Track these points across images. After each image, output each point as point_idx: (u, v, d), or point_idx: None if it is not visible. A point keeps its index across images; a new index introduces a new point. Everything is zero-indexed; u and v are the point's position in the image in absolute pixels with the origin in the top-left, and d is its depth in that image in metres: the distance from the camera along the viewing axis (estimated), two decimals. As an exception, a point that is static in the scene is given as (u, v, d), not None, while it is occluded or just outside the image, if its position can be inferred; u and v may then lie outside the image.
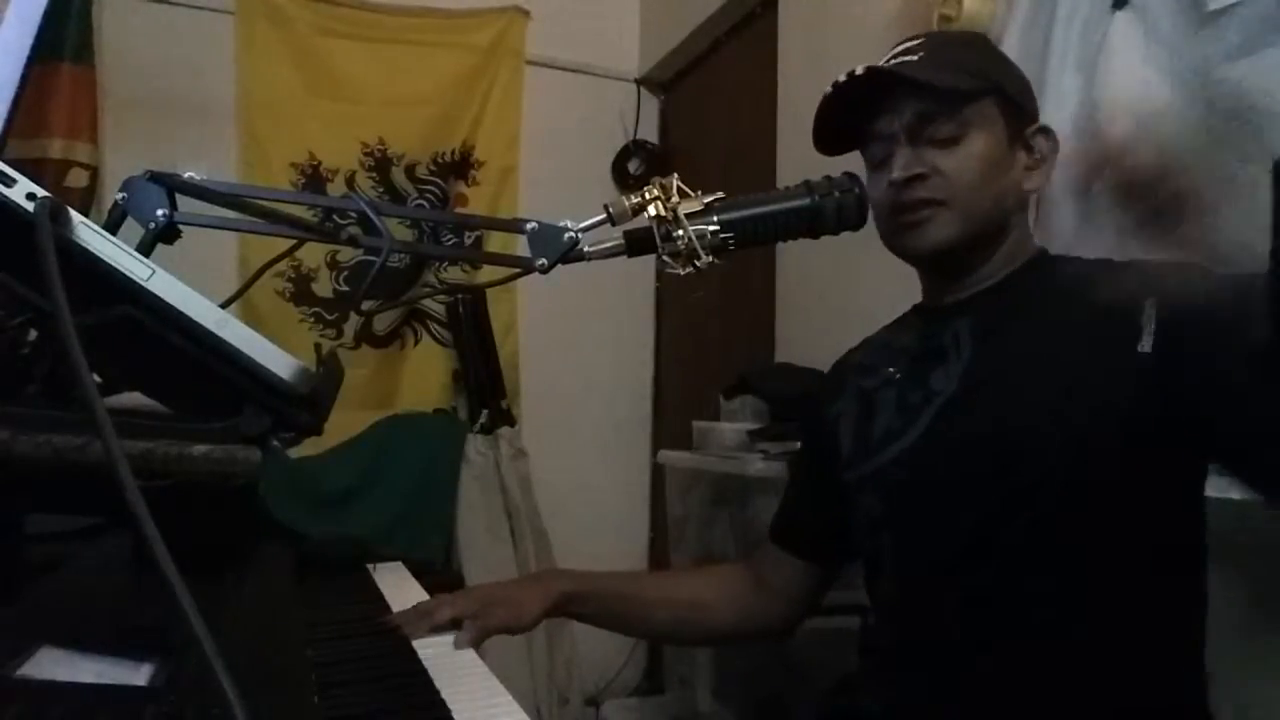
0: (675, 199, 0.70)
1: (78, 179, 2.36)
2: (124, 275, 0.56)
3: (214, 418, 0.58)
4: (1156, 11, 1.25)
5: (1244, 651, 1.11)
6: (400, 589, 1.15)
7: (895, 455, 0.93)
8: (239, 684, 0.35)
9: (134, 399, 0.64)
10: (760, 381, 2.04)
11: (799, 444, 1.16)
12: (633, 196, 0.71)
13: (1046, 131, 0.93)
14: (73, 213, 0.55)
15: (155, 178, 0.67)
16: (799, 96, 2.27)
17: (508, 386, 2.74)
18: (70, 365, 0.43)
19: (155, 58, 2.52)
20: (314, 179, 2.72)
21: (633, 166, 3.04)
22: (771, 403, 1.99)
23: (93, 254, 0.55)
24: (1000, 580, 0.84)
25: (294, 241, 0.83)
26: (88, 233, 0.56)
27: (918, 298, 1.07)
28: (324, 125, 2.73)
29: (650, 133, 3.13)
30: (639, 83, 3.12)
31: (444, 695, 0.77)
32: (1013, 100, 0.91)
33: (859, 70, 0.90)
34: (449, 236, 2.74)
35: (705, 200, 0.71)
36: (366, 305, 2.56)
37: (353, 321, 2.74)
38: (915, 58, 0.90)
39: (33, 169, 1.93)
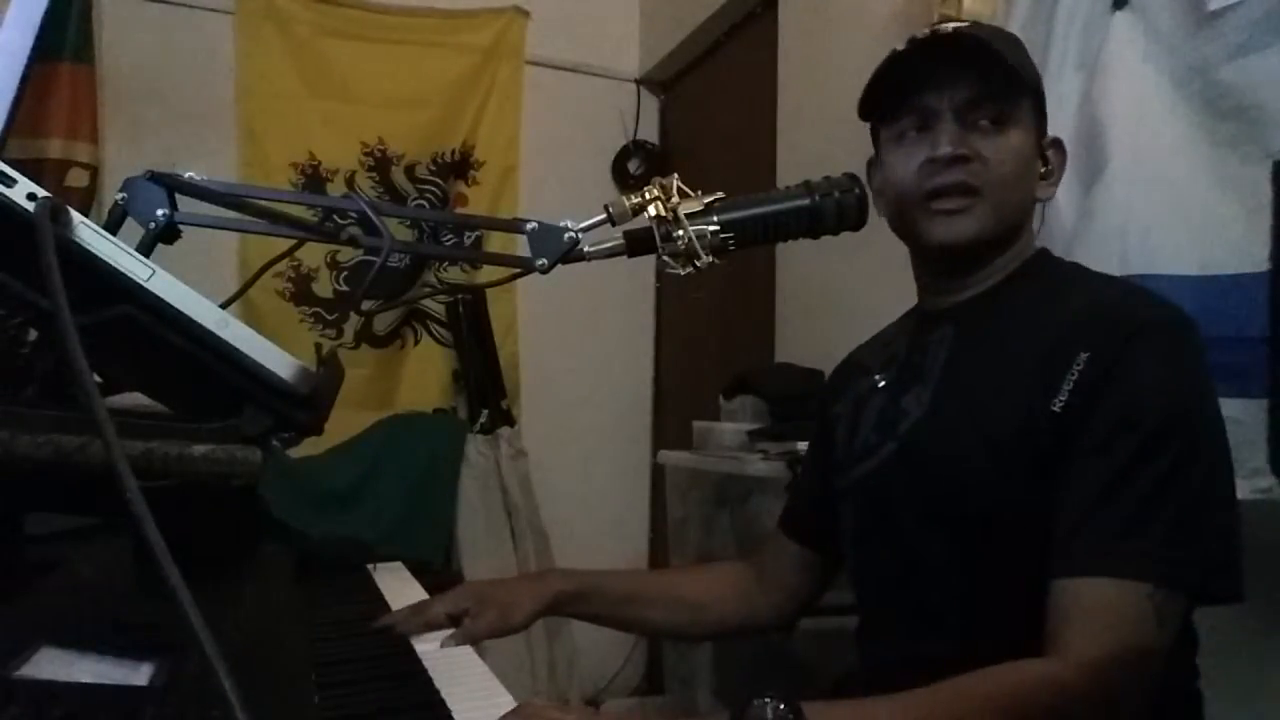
0: (675, 199, 0.70)
1: (78, 179, 2.36)
2: (124, 275, 0.56)
3: (214, 418, 0.58)
4: (1156, 11, 1.25)
5: (1235, 651, 1.11)
6: (400, 589, 1.15)
7: (867, 471, 0.93)
8: (239, 684, 0.35)
9: (134, 399, 0.64)
10: (760, 381, 2.04)
11: (811, 436, 1.15)
12: (633, 196, 0.71)
13: (1058, 144, 0.92)
14: (73, 213, 0.55)
15: (155, 178, 0.67)
16: (799, 96, 2.27)
17: (508, 386, 2.74)
18: (70, 365, 0.43)
19: (155, 58, 2.52)
20: (314, 179, 2.72)
21: (633, 166, 3.04)
22: (771, 403, 1.99)
23: (93, 254, 0.55)
24: (944, 615, 0.85)
25: (294, 241, 0.83)
26: (88, 233, 0.56)
27: (916, 298, 1.08)
28: (324, 125, 2.73)
29: (650, 133, 3.13)
30: (639, 83, 3.12)
31: (444, 695, 0.77)
32: (1040, 104, 0.90)
33: (948, 28, 0.86)
34: (449, 236, 2.74)
35: (705, 200, 0.71)
36: (366, 305, 2.56)
37: (353, 321, 2.74)
38: (982, 34, 0.86)
39: (33, 169, 1.94)
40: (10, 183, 0.53)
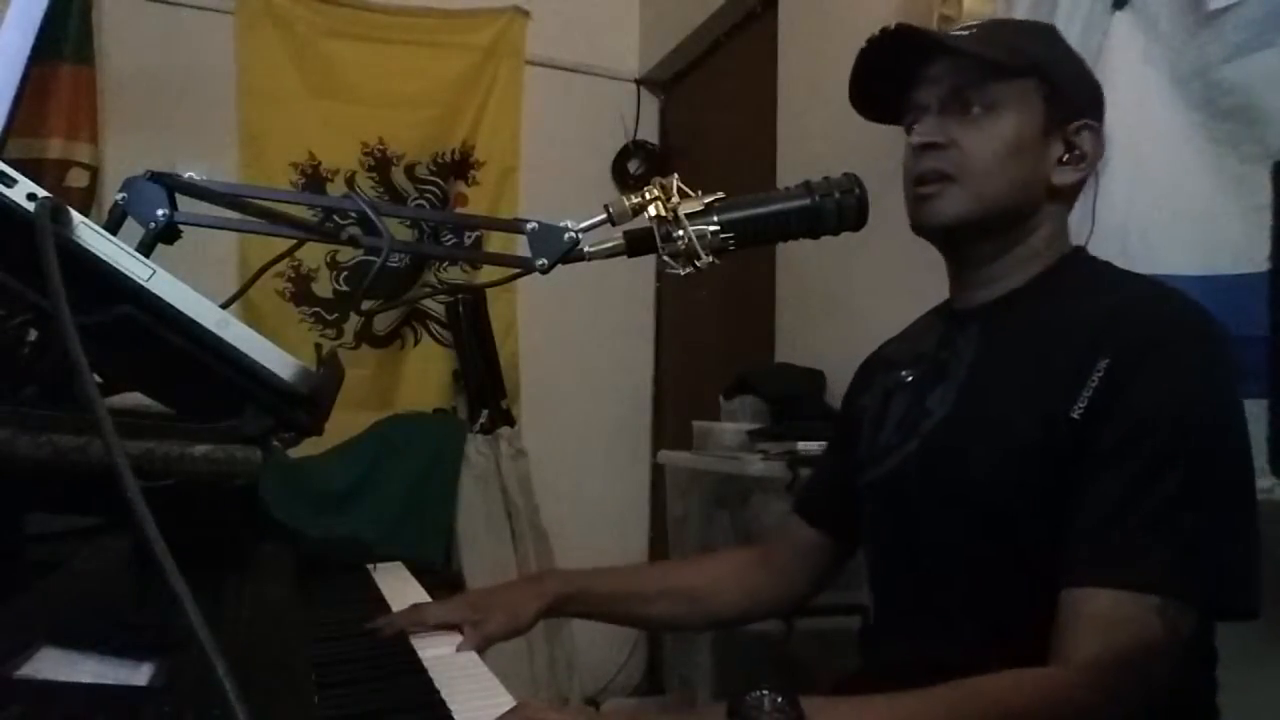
0: (675, 199, 0.70)
1: (78, 179, 2.36)
2: (124, 275, 0.56)
3: (214, 418, 0.58)
4: (1156, 11, 1.26)
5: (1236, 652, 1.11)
6: (400, 589, 1.14)
7: (890, 470, 0.93)
8: (239, 684, 0.35)
9: (134, 399, 0.64)
10: (760, 381, 2.04)
11: (834, 424, 1.15)
12: (633, 196, 0.71)
13: (1093, 129, 0.88)
14: (73, 213, 0.55)
15: (155, 178, 0.67)
16: (799, 96, 2.27)
17: (508, 386, 2.74)
18: (70, 365, 0.43)
19: (155, 58, 2.53)
20: (314, 179, 2.72)
21: (633, 166, 3.04)
22: (771, 403, 1.99)
23: (93, 254, 0.55)
24: (954, 618, 0.85)
25: (294, 241, 0.83)
26: (88, 233, 0.56)
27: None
28: (324, 125, 2.73)
29: (650, 133, 3.13)
30: (639, 83, 3.12)
31: (444, 695, 0.77)
32: (1058, 88, 0.87)
33: (891, 26, 0.89)
34: (449, 236, 2.74)
35: (705, 200, 0.71)
36: (366, 305, 2.56)
37: (353, 321, 2.74)
38: (967, 32, 0.89)
39: (33, 169, 1.93)
40: (10, 183, 0.53)
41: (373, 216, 0.71)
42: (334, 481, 2.32)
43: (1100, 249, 1.25)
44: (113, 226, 0.65)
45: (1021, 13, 1.50)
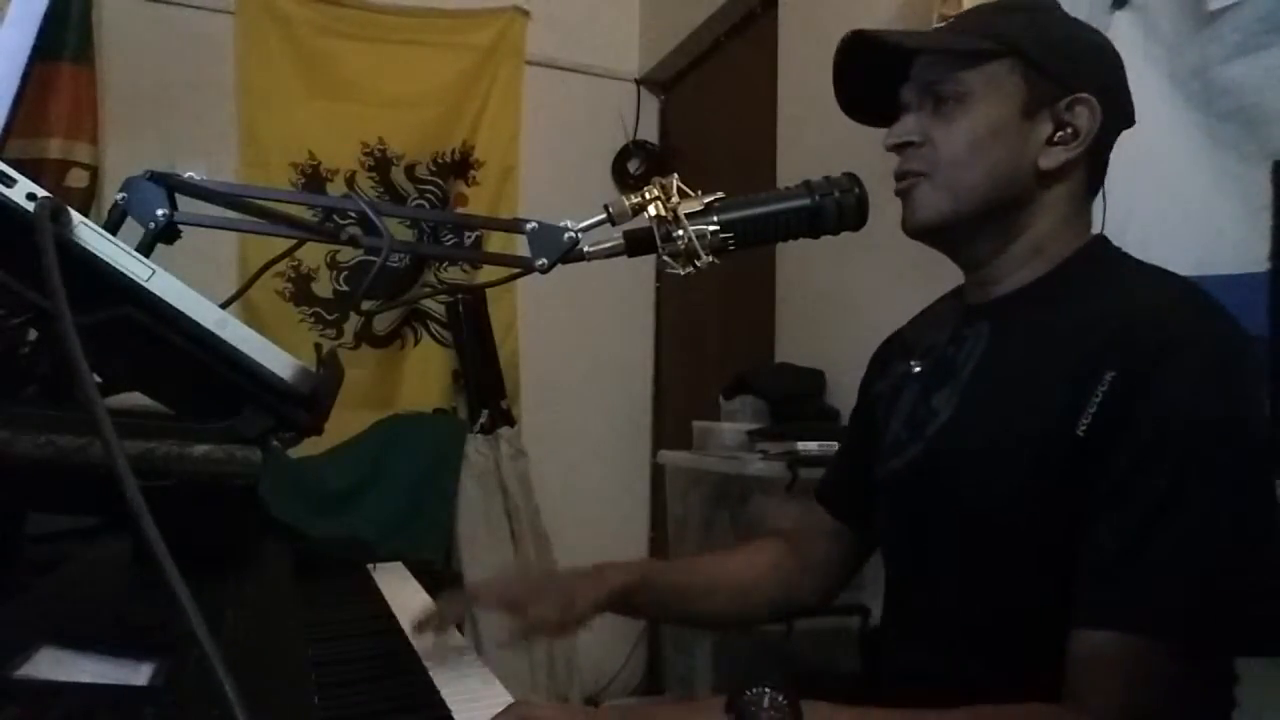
0: (675, 199, 0.70)
1: (78, 179, 2.36)
2: (124, 275, 0.56)
3: (214, 418, 0.58)
4: (1156, 11, 1.26)
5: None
6: (400, 589, 1.15)
7: (895, 469, 0.91)
8: (239, 684, 0.35)
9: (134, 399, 0.64)
10: (760, 381, 2.04)
11: (853, 411, 1.12)
12: (633, 196, 0.71)
13: (1086, 103, 0.81)
14: (73, 213, 0.55)
15: (155, 178, 0.67)
16: (799, 96, 2.27)
17: (508, 386, 2.74)
18: (70, 365, 0.43)
19: (155, 58, 2.52)
20: (314, 179, 2.72)
21: (633, 166, 3.04)
22: (771, 403, 1.99)
23: (93, 254, 0.55)
24: (946, 627, 0.84)
25: (294, 241, 0.83)
26: (88, 233, 0.56)
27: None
28: (324, 125, 2.73)
29: (650, 133, 3.13)
30: (639, 83, 3.12)
31: (444, 695, 0.77)
32: (1039, 64, 0.81)
33: (849, 34, 0.88)
34: (449, 236, 2.74)
35: (705, 200, 0.71)
36: (366, 305, 2.55)
37: (353, 321, 2.74)
38: (945, 24, 0.88)
39: (33, 169, 1.94)
40: (10, 183, 0.53)
41: (373, 216, 0.71)
42: (334, 481, 2.31)
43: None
44: (113, 226, 0.65)
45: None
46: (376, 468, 2.38)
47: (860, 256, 1.91)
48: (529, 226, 0.71)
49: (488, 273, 2.65)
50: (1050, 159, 0.82)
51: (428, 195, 2.84)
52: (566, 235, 0.71)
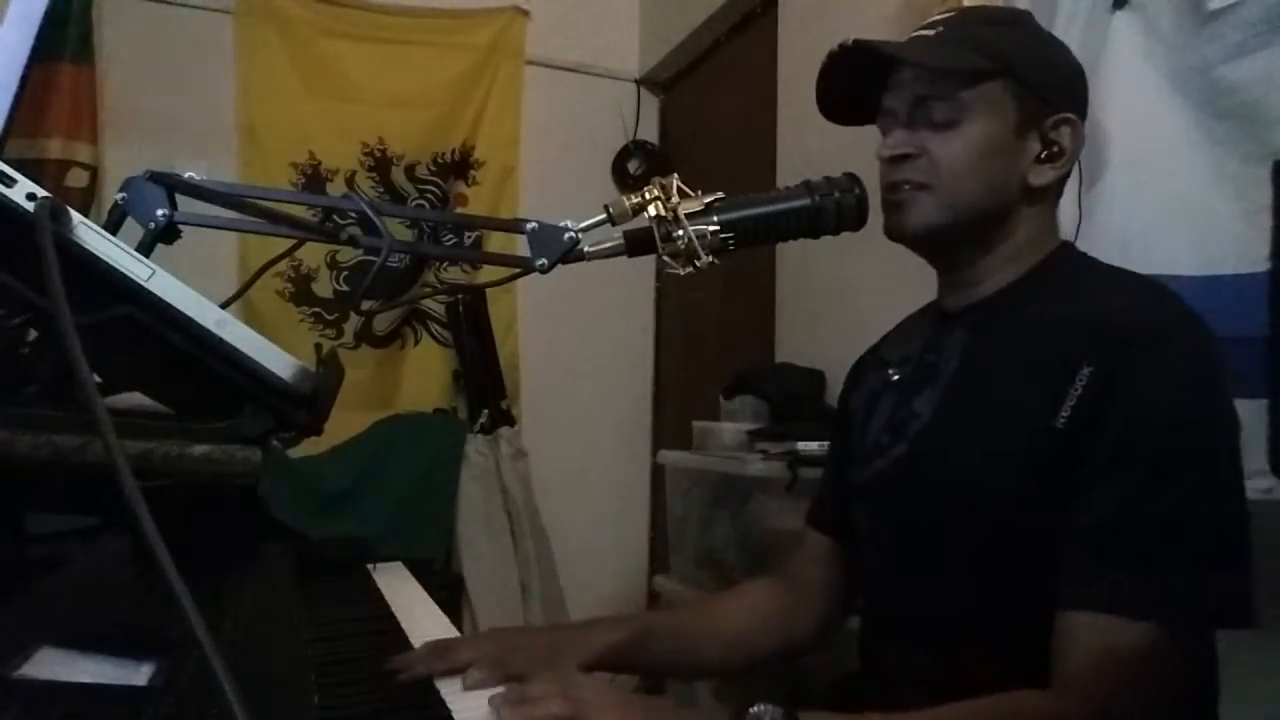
0: (675, 199, 0.70)
1: (78, 179, 2.36)
2: (124, 275, 0.56)
3: (214, 418, 0.58)
4: (1156, 11, 1.25)
5: (1236, 652, 1.11)
6: (400, 589, 1.14)
7: (877, 471, 0.92)
8: (239, 684, 0.35)
9: (134, 399, 0.64)
10: (760, 381, 2.04)
11: (833, 428, 1.12)
12: (633, 196, 0.71)
13: (1071, 123, 0.86)
14: (73, 213, 0.55)
15: (155, 178, 0.67)
16: (799, 96, 2.27)
17: (508, 386, 2.74)
18: (70, 365, 0.43)
19: (155, 58, 2.52)
20: (314, 179, 2.72)
21: (633, 166, 3.04)
22: (771, 403, 1.99)
23: (93, 254, 0.55)
24: (951, 624, 0.84)
25: (294, 241, 0.83)
26: (88, 233, 0.56)
27: (918, 298, 1.07)
28: (324, 125, 2.73)
29: (650, 133, 3.13)
30: (639, 83, 3.12)
31: (444, 695, 0.77)
32: (1029, 85, 0.85)
33: (849, 42, 0.88)
34: (449, 236, 2.74)
35: (705, 200, 0.71)
36: (366, 305, 2.56)
37: (353, 321, 2.74)
38: (932, 33, 0.87)
39: (33, 169, 1.93)
40: (10, 183, 0.53)
41: (373, 216, 0.72)
42: (334, 481, 2.32)
43: (1100, 249, 1.25)
44: (113, 226, 0.65)
45: (1021, 13, 1.50)
46: (376, 468, 2.38)
47: (860, 256, 1.91)
48: (529, 226, 0.71)
49: (488, 273, 2.65)
50: (1040, 176, 0.86)
51: (428, 195, 2.85)
52: (566, 235, 0.71)
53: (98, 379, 0.50)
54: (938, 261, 0.93)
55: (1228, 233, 1.15)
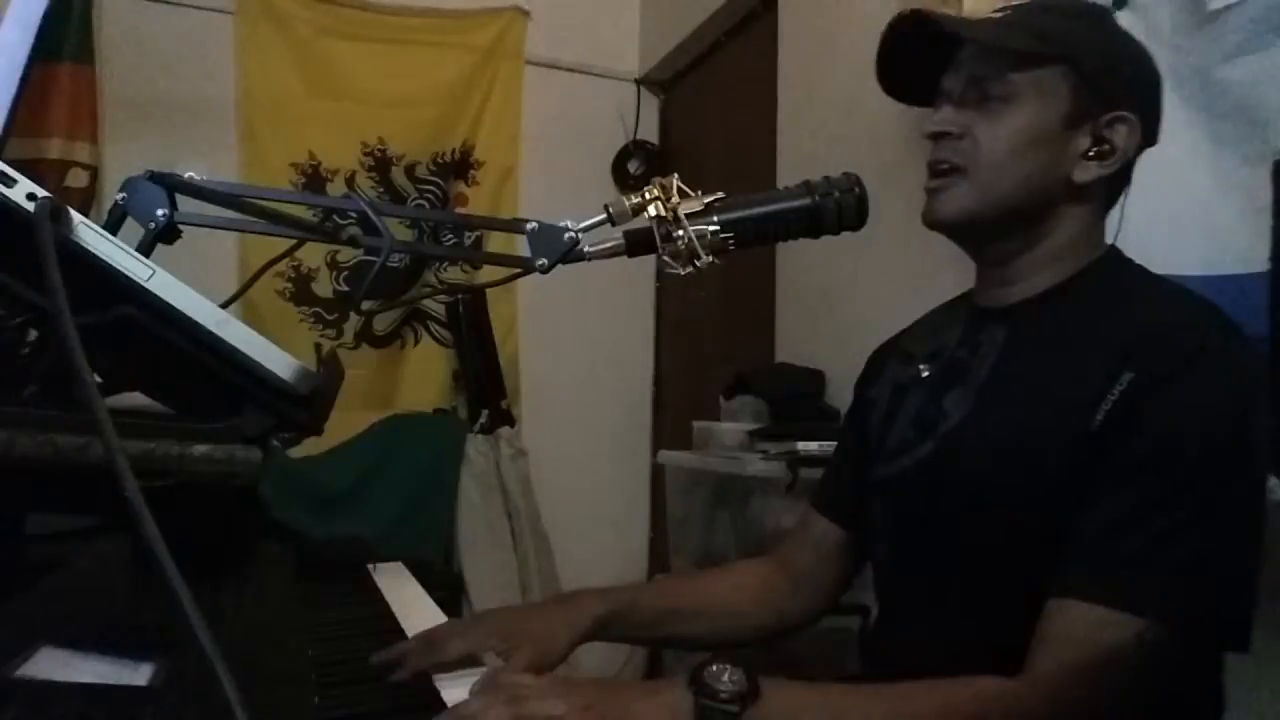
0: (675, 199, 0.70)
1: (78, 179, 2.36)
2: (124, 275, 0.56)
3: (214, 418, 0.58)
4: (1156, 11, 1.25)
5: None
6: (400, 589, 1.15)
7: (902, 469, 0.91)
8: (239, 684, 0.35)
9: (134, 399, 0.64)
10: (760, 381, 2.04)
11: (846, 416, 1.10)
12: (633, 196, 0.71)
13: (1127, 122, 0.82)
14: (73, 213, 0.55)
15: (155, 178, 0.67)
16: (799, 96, 2.27)
17: (508, 386, 2.74)
18: (70, 365, 0.43)
19: (155, 58, 2.53)
20: (314, 179, 2.72)
21: (633, 166, 3.04)
22: (771, 403, 1.99)
23: (93, 254, 0.55)
24: (969, 627, 0.84)
25: (294, 241, 0.83)
26: (88, 233, 0.56)
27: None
28: (324, 125, 2.73)
29: (650, 133, 3.13)
30: (639, 83, 3.12)
31: (444, 695, 0.77)
32: (1090, 76, 0.81)
33: (906, 12, 0.86)
34: (449, 236, 2.74)
35: (705, 200, 0.71)
36: (366, 305, 2.56)
37: (353, 321, 2.74)
38: (999, 14, 0.86)
39: (33, 169, 1.93)
40: (10, 183, 0.53)
41: (373, 216, 0.72)
42: (334, 481, 2.32)
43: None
44: (113, 226, 0.65)
45: (1021, 13, 1.50)
46: (376, 468, 2.38)
47: (860, 256, 1.91)
48: (529, 226, 0.71)
49: (488, 273, 2.65)
50: (1085, 173, 0.83)
51: (428, 195, 2.85)
52: (566, 235, 0.71)
53: (98, 379, 0.50)
54: (975, 253, 0.92)
55: (1228, 233, 1.15)
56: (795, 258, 2.24)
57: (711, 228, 0.70)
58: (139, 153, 2.35)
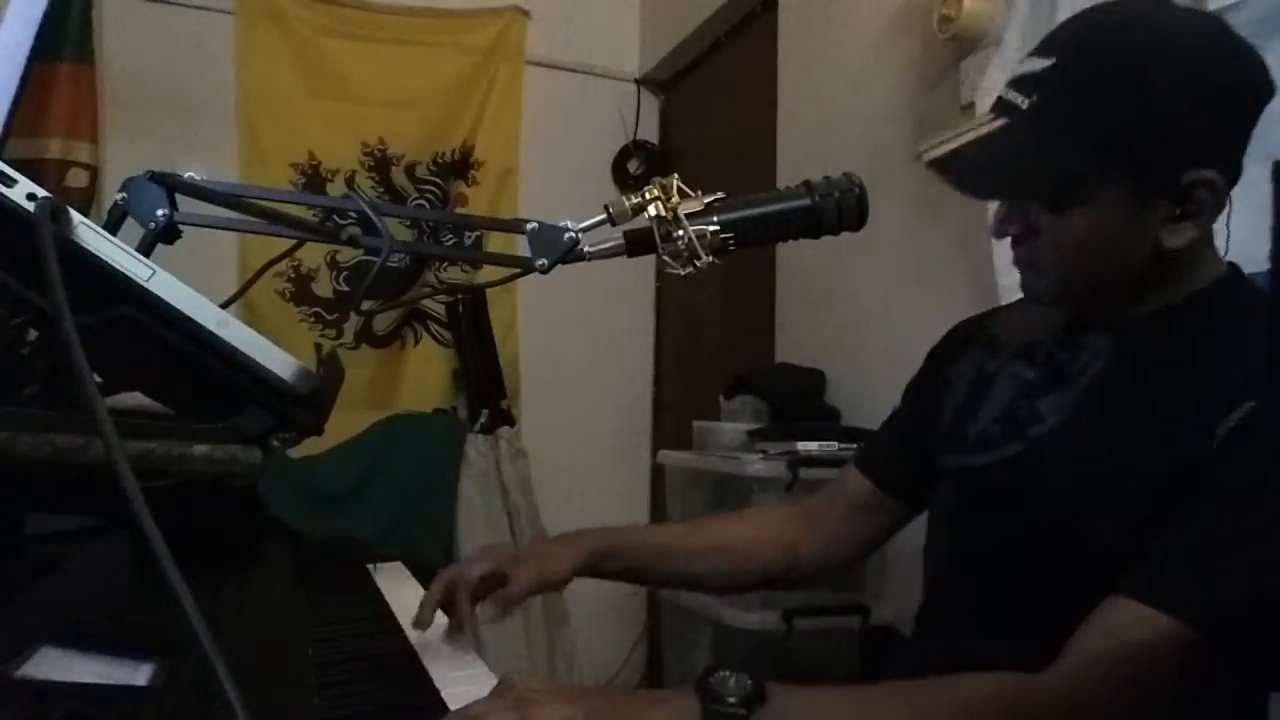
0: (675, 199, 0.70)
1: (78, 179, 2.36)
2: (124, 275, 0.56)
3: (214, 418, 0.58)
4: (1156, 11, 1.25)
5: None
6: (400, 589, 1.14)
7: (985, 464, 0.88)
8: (239, 684, 0.35)
9: (134, 399, 0.64)
10: (760, 381, 2.04)
11: (914, 384, 1.08)
12: (633, 196, 0.71)
13: (1210, 181, 0.76)
14: (73, 213, 0.55)
15: (155, 178, 0.67)
16: (799, 96, 2.27)
17: (508, 386, 2.74)
18: (70, 365, 0.43)
19: (155, 58, 2.53)
20: (314, 179, 2.72)
21: (633, 166, 3.04)
22: (771, 403, 1.99)
23: (93, 254, 0.55)
24: (1020, 630, 0.82)
25: (294, 241, 0.83)
26: (88, 233, 0.56)
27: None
28: (324, 125, 2.73)
29: (650, 133, 3.13)
30: (639, 83, 3.12)
31: (444, 695, 0.77)
32: (1150, 154, 0.75)
33: (930, 156, 0.82)
34: (449, 236, 2.74)
35: (705, 200, 0.71)
36: (366, 305, 2.56)
37: (353, 321, 2.74)
38: (1024, 102, 0.77)
39: (33, 169, 1.93)
40: (10, 183, 0.53)
41: (373, 216, 0.72)
42: (334, 481, 2.31)
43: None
44: (113, 226, 0.65)
45: (1021, 13, 1.50)
46: (376, 468, 2.38)
47: (860, 256, 1.91)
48: (529, 226, 0.71)
49: (488, 273, 2.65)
50: (1177, 238, 0.77)
51: (428, 195, 2.85)
52: (566, 235, 0.71)
53: (98, 379, 0.50)
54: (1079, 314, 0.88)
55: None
56: (795, 258, 2.24)
57: (711, 228, 0.70)
58: (139, 153, 2.36)
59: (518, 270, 0.74)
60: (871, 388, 1.86)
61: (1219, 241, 0.85)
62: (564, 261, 0.71)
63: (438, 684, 0.80)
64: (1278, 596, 0.65)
